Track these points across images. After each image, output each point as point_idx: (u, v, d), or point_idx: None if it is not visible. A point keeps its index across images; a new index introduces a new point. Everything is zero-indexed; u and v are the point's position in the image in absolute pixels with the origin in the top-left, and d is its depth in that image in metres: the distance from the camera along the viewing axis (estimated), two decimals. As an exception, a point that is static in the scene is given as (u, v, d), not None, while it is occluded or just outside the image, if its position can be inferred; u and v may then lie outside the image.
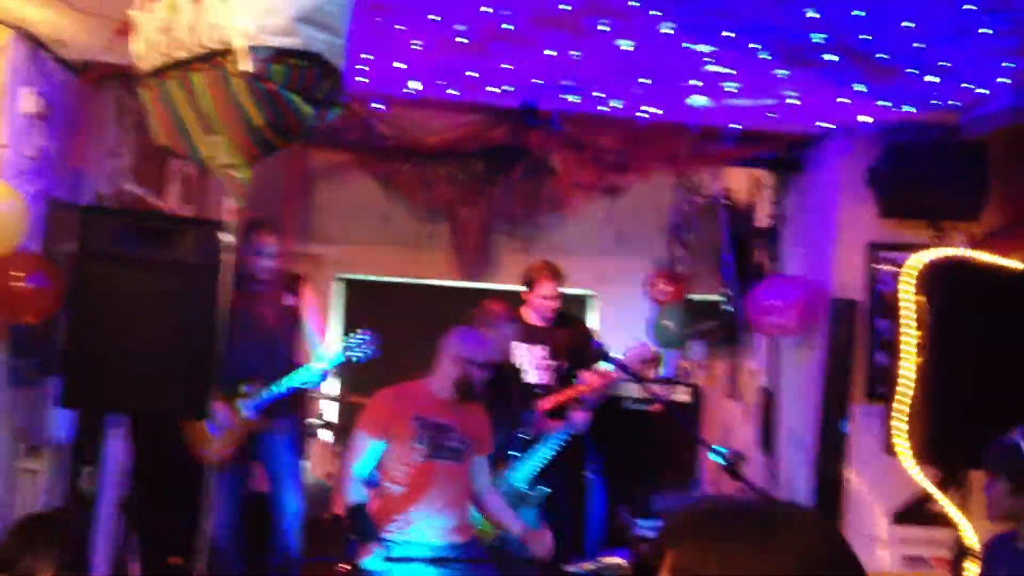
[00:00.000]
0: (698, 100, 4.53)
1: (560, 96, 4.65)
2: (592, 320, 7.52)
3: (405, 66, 4.32)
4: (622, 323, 6.88)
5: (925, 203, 4.64)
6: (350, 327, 5.21)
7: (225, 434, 4.77)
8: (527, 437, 4.96)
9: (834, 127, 4.83)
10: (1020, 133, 4.33)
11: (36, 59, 4.27)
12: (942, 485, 3.86)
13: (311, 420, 6.31)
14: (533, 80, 4.47)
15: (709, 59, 3.99)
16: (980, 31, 3.50)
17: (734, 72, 4.13)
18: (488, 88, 4.59)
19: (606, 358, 5.05)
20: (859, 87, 4.19)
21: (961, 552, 3.83)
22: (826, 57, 3.85)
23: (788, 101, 4.47)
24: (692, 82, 4.30)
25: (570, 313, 6.01)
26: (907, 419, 3.82)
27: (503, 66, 4.28)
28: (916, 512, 4.51)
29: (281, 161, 5.82)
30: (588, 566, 3.66)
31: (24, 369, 4.31)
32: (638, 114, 4.78)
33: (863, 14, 3.42)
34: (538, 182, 5.74)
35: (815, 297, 4.87)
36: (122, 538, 5.25)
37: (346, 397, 6.62)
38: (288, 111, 2.29)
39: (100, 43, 4.12)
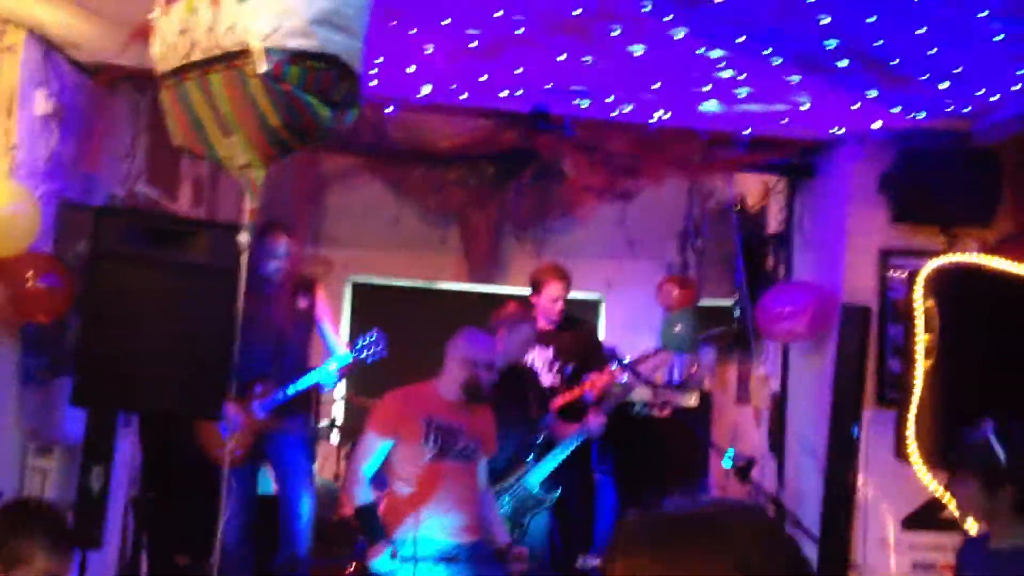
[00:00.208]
0: (710, 106, 4.53)
1: (571, 101, 4.66)
2: (601, 324, 7.53)
3: (417, 70, 4.34)
4: (632, 327, 6.88)
5: (937, 209, 4.63)
6: (360, 330, 5.22)
7: (236, 434, 4.79)
8: (542, 440, 4.97)
9: (846, 133, 4.83)
10: (1033, 140, 4.32)
11: (49, 61, 4.29)
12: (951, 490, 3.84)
13: (321, 422, 6.33)
14: (544, 85, 4.48)
15: (721, 64, 3.99)
16: (994, 39, 3.50)
17: (746, 77, 4.14)
18: (499, 93, 4.60)
19: (617, 360, 5.07)
20: (872, 93, 4.19)
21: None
22: (839, 63, 3.85)
23: (801, 107, 4.47)
24: (704, 88, 4.30)
25: (576, 316, 6.03)
26: (917, 424, 3.81)
27: (515, 71, 4.29)
28: (927, 517, 4.50)
29: (292, 165, 5.83)
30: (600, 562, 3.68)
31: (35, 368, 4.33)
32: (649, 120, 4.79)
33: (876, 20, 3.42)
34: (548, 186, 5.75)
35: (826, 303, 4.86)
36: (132, 537, 5.27)
37: (354, 399, 6.63)
38: (305, 113, 2.30)
39: (114, 45, 4.13)
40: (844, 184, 4.92)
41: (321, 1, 2.31)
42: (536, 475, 4.91)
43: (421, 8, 3.66)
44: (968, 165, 4.57)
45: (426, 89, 4.58)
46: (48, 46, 4.26)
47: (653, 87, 4.35)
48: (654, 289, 6.07)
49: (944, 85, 4.02)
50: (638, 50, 3.88)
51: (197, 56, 2.38)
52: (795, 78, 4.08)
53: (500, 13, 3.62)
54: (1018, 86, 4.00)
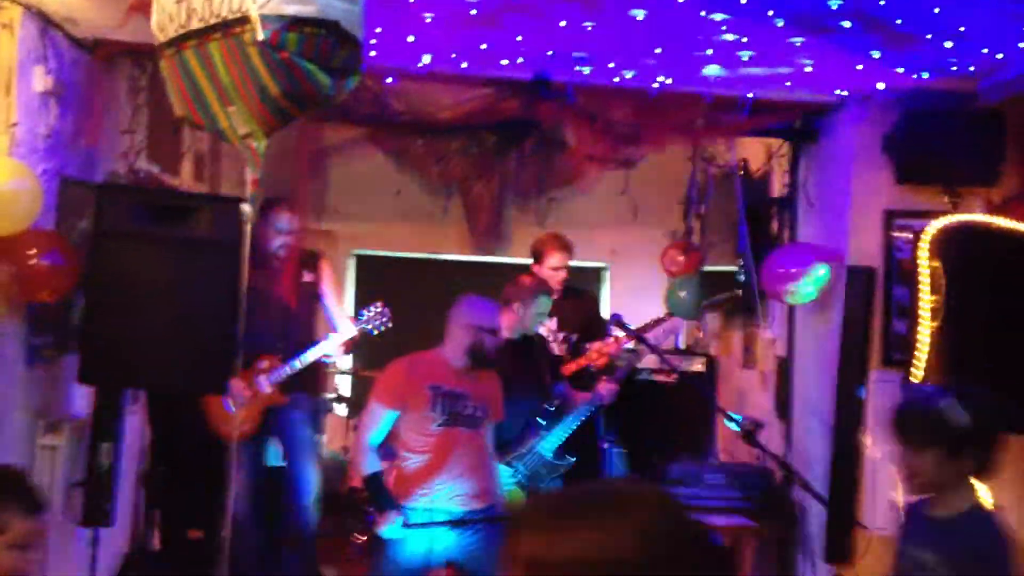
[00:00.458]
0: (712, 70, 4.50)
1: (573, 68, 4.63)
2: (606, 292, 7.52)
3: (416, 40, 4.30)
4: (637, 295, 6.88)
5: (941, 169, 4.60)
6: (364, 303, 5.23)
7: (242, 409, 4.80)
8: (555, 408, 4.99)
9: (849, 95, 4.80)
10: (1038, 98, 4.29)
11: (47, 37, 4.26)
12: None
13: (327, 395, 6.36)
14: (545, 52, 4.45)
15: (723, 27, 3.96)
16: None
17: (748, 40, 4.10)
18: (500, 61, 4.57)
19: (622, 327, 5.08)
20: (875, 54, 4.15)
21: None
22: (842, 24, 3.81)
23: (804, 70, 4.43)
24: (706, 52, 4.27)
25: (578, 286, 6.03)
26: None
27: (515, 39, 4.25)
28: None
29: (293, 139, 5.81)
30: None
31: (41, 347, 4.34)
32: (652, 85, 4.76)
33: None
34: (550, 155, 5.72)
35: (830, 264, 4.86)
36: (142, 513, 5.30)
37: (360, 372, 6.65)
38: (304, 80, 2.28)
39: (111, 21, 4.10)
40: (848, 146, 4.90)
41: (318, -33, 2.29)
42: (550, 442, 4.93)
43: (419, -25, 3.63)
44: (972, 125, 4.54)
45: (426, 58, 4.55)
46: (45, 22, 4.23)
47: (655, 52, 4.32)
48: (658, 256, 6.06)
49: (948, 44, 3.98)
50: (639, 14, 3.84)
51: (195, 25, 2.36)
52: (798, 40, 4.04)
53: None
54: (1022, 44, 3.96)
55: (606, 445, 5.94)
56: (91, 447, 4.47)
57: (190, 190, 5.72)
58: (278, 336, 5.06)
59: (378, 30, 4.05)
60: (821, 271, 4.84)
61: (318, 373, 5.51)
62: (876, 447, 4.72)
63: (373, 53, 4.31)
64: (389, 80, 4.77)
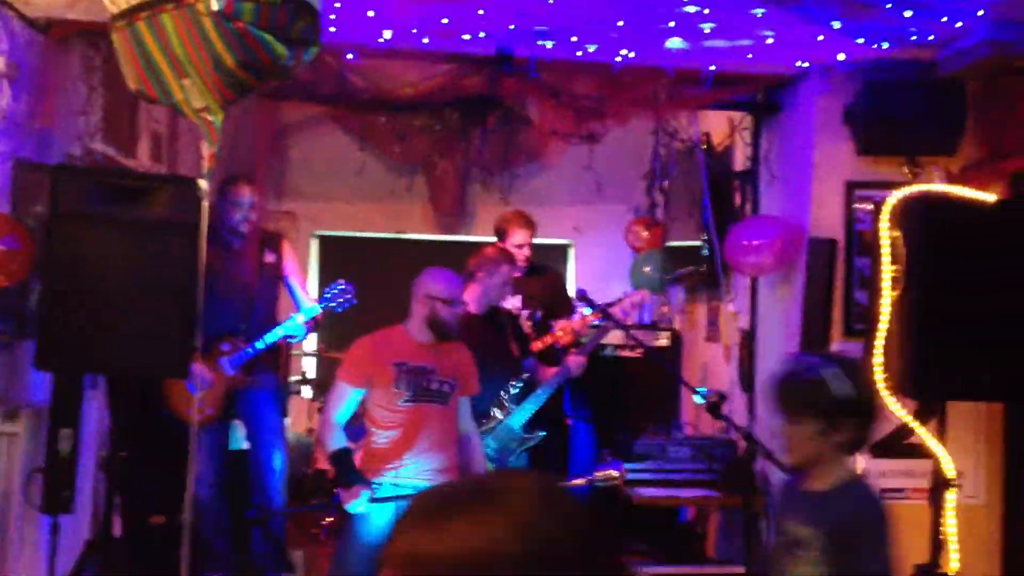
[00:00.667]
0: (675, 43, 4.49)
1: (535, 42, 4.60)
2: (572, 269, 7.53)
3: (377, 14, 4.25)
4: (601, 271, 6.89)
5: (902, 140, 4.64)
6: (328, 284, 5.18)
7: (206, 393, 4.75)
8: (524, 383, 4.98)
9: (810, 67, 4.81)
10: (997, 67, 4.32)
11: (0, 17, 4.17)
12: (919, 417, 3.90)
13: (292, 377, 6.32)
14: (507, 26, 4.42)
15: (685, -1, 3.95)
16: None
17: (710, 12, 4.10)
18: (462, 36, 4.53)
19: (589, 303, 5.08)
20: (836, 24, 4.17)
21: (939, 483, 3.88)
22: (803, -7, 3.82)
23: (765, 41, 4.44)
24: (668, 24, 4.26)
25: (542, 263, 6.02)
26: (884, 354, 3.85)
27: (477, 12, 4.22)
28: (894, 445, 4.56)
29: (253, 117, 5.75)
30: (581, 480, 3.69)
31: (-1, 332, 4.26)
32: (615, 59, 4.74)
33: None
34: (514, 131, 5.70)
35: (793, 235, 4.88)
36: (104, 499, 5.24)
37: (325, 353, 6.61)
38: (261, 51, 2.23)
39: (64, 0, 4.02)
40: (809, 118, 4.92)
41: (273, -64, 2.24)
42: (519, 416, 4.93)
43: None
44: (931, 95, 4.57)
45: (387, 34, 4.50)
46: (-4, 1, 4.14)
47: (618, 24, 4.30)
48: (623, 232, 6.07)
49: (908, 14, 4.00)
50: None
51: (148, -5, 2.31)
52: (759, 11, 4.04)
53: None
54: (981, 12, 3.99)
55: (573, 420, 5.97)
56: (51, 433, 4.40)
57: (148, 171, 5.62)
58: (240, 318, 5.01)
59: (337, 4, 3.99)
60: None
61: (282, 355, 5.46)
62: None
63: (333, 29, 4.25)
64: (349, 57, 4.71)
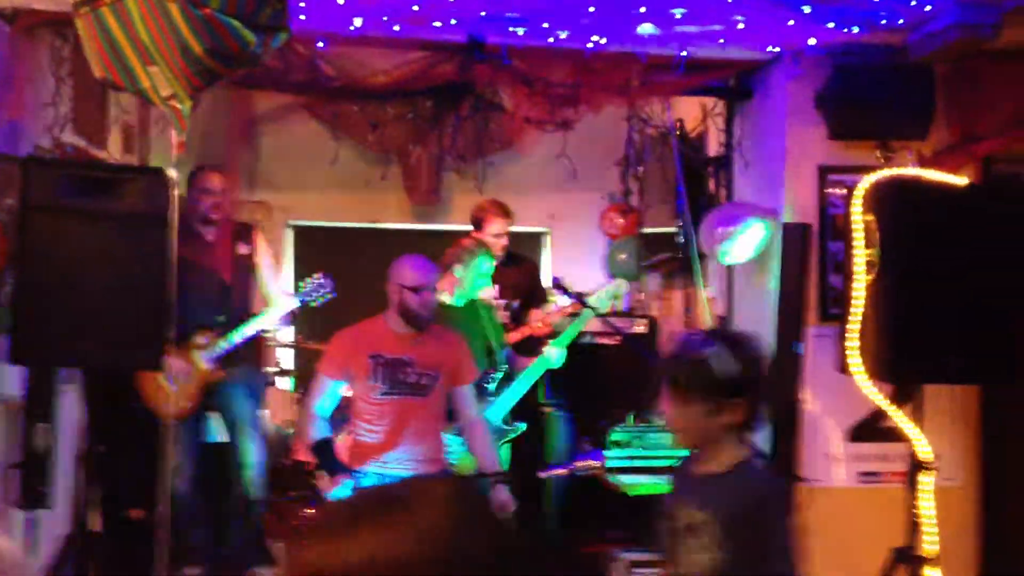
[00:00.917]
0: (646, 28, 4.49)
1: (507, 29, 4.59)
2: (548, 257, 7.52)
3: (347, 2, 4.22)
4: (576, 259, 6.89)
5: (874, 124, 4.66)
6: (304, 274, 5.16)
7: (182, 386, 4.72)
8: (502, 373, 4.98)
9: (782, 52, 4.83)
10: (965, 50, 4.34)
11: (-37, 7, 4.11)
12: (895, 401, 3.92)
13: (269, 368, 6.28)
14: (479, 13, 4.40)
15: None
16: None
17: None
18: (434, 23, 4.51)
19: (564, 291, 5.08)
20: (806, 9, 4.18)
21: (915, 466, 3.90)
22: (773, -22, 3.83)
23: (736, 26, 4.44)
24: (640, 9, 4.26)
25: (518, 253, 6.01)
26: (859, 338, 3.87)
27: (448, -1, 4.21)
28: (870, 429, 4.60)
29: (224, 107, 5.70)
30: (562, 471, 3.70)
31: (-30, 327, 4.21)
32: (587, 45, 4.73)
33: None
34: (488, 119, 5.68)
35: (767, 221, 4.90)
36: (82, 493, 5.20)
37: (303, 344, 6.57)
38: (229, 37, 2.21)
39: (29, -13, 3.97)
40: (781, 104, 4.93)
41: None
42: (499, 408, 4.93)
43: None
44: (902, 79, 4.60)
45: (357, 22, 4.47)
46: (-41, -9, 4.08)
47: (589, 10, 4.29)
48: (598, 219, 6.07)
49: (878, -3, 4.03)
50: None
51: (112, -18, 2.28)
52: (730, -5, 4.05)
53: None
54: (950, -6, 4.01)
55: (550, 410, 5.98)
56: (26, 428, 4.36)
57: (118, 162, 5.57)
58: (215, 311, 4.98)
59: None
60: (756, 229, 4.89)
61: (258, 347, 5.44)
62: (814, 401, 4.80)
63: (303, 17, 4.22)
64: (320, 45, 4.68)
